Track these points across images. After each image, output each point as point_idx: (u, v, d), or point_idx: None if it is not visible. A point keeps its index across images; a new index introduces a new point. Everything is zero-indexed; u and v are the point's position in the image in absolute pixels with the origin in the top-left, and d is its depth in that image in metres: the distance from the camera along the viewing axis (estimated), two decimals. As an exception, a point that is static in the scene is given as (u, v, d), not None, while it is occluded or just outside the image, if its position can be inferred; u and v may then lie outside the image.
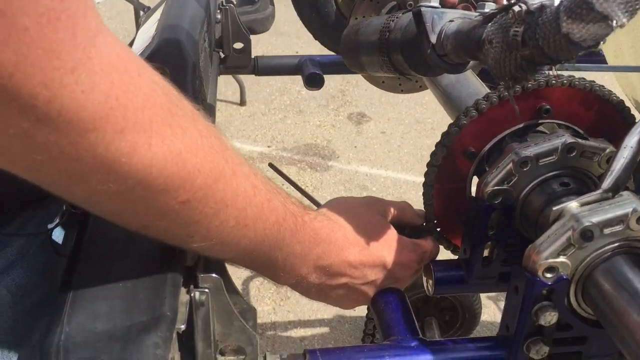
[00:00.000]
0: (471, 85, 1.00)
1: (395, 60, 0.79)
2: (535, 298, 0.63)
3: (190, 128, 0.52)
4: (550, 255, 0.61)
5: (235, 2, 1.48)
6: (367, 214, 0.75)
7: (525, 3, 0.59)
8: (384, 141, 3.34)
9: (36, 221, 0.70)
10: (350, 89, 3.77)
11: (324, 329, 2.14)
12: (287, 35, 4.01)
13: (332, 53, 1.42)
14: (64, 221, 0.75)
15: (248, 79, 3.30)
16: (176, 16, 1.04)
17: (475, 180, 0.79)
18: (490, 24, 0.64)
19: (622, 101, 0.78)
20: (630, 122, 0.78)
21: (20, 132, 0.42)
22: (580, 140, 0.72)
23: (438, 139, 0.77)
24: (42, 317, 0.68)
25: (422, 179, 0.80)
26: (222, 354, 0.64)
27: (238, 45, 1.43)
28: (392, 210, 0.79)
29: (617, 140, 0.76)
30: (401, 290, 0.76)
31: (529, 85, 0.74)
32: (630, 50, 1.33)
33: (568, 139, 0.71)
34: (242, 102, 3.63)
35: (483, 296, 1.83)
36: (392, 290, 0.75)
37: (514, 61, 0.62)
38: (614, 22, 0.52)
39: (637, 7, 0.52)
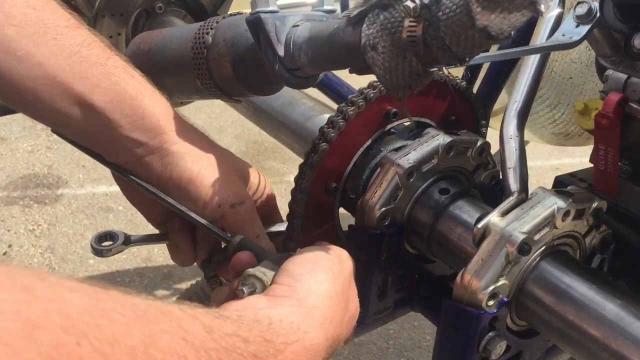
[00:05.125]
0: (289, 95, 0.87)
1: (221, 81, 0.63)
2: (481, 332, 0.54)
3: None
4: (492, 280, 0.53)
5: None
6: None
7: (417, -5, 0.48)
8: (113, 152, 3.03)
9: None
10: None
11: None
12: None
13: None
14: None
15: None
16: None
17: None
18: (365, 25, 0.52)
19: (468, 86, 0.73)
20: (475, 105, 0.73)
21: None
22: (456, 137, 0.64)
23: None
24: None
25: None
26: None
27: None
28: None
29: (465, 126, 0.71)
30: None
31: (371, 95, 0.64)
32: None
33: (445, 137, 0.64)
34: None
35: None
36: None
37: (408, 67, 0.51)
38: (542, 6, 0.45)
39: (561, -14, 0.45)
